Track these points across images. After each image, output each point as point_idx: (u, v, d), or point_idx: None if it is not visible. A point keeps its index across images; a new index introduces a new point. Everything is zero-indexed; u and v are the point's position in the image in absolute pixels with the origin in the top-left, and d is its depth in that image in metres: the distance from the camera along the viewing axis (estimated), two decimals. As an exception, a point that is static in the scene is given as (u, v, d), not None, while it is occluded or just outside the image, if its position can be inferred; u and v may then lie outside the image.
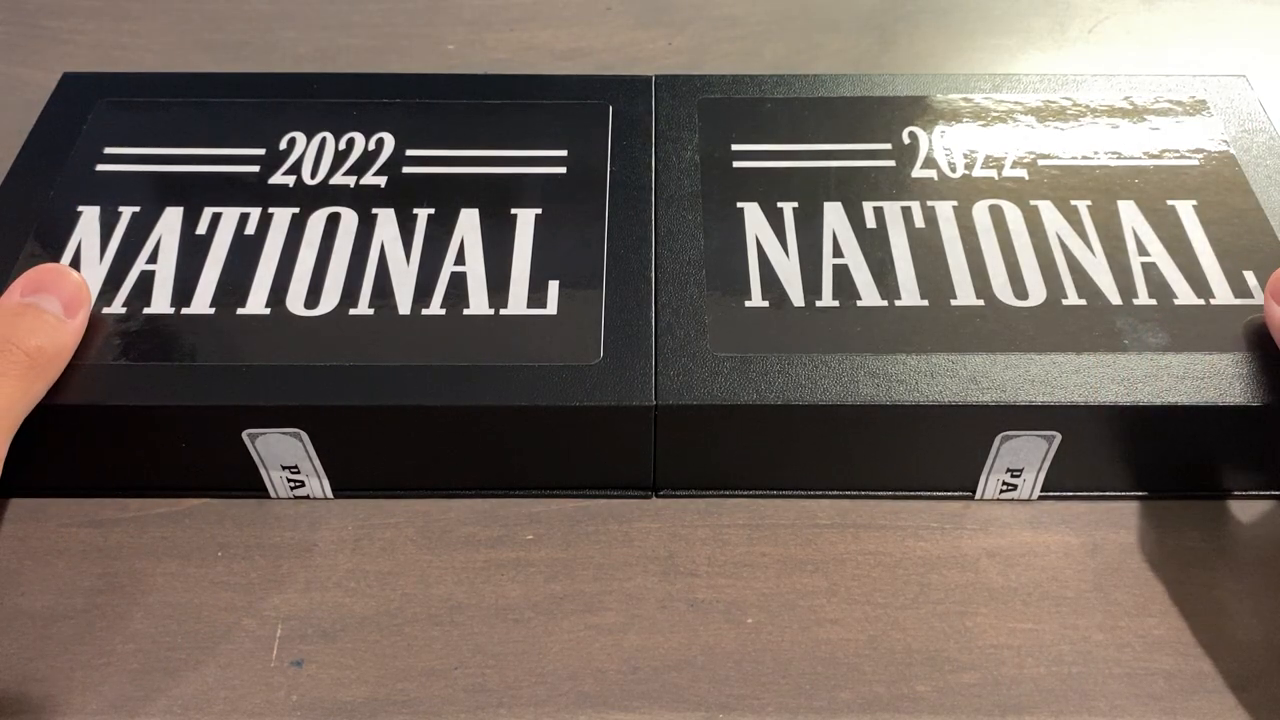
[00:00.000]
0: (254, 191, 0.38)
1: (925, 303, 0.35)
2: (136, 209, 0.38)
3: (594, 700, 0.32)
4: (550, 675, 0.32)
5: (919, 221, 0.37)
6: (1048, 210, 0.37)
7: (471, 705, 0.31)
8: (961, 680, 0.32)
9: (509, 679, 0.32)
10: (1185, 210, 0.37)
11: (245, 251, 0.36)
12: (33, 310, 0.33)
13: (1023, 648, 0.33)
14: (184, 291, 0.35)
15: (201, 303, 0.35)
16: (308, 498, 0.36)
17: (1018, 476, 0.35)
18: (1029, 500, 0.36)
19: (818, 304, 0.35)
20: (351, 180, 0.38)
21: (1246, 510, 0.35)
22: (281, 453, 0.34)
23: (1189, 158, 0.39)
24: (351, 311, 0.35)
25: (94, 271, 0.36)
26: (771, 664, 0.32)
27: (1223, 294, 0.35)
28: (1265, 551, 0.34)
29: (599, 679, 0.32)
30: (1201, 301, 0.35)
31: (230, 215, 0.37)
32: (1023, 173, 0.39)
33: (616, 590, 0.34)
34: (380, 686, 0.32)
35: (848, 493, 0.36)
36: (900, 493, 0.36)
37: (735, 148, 0.40)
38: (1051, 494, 0.35)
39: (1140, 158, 0.39)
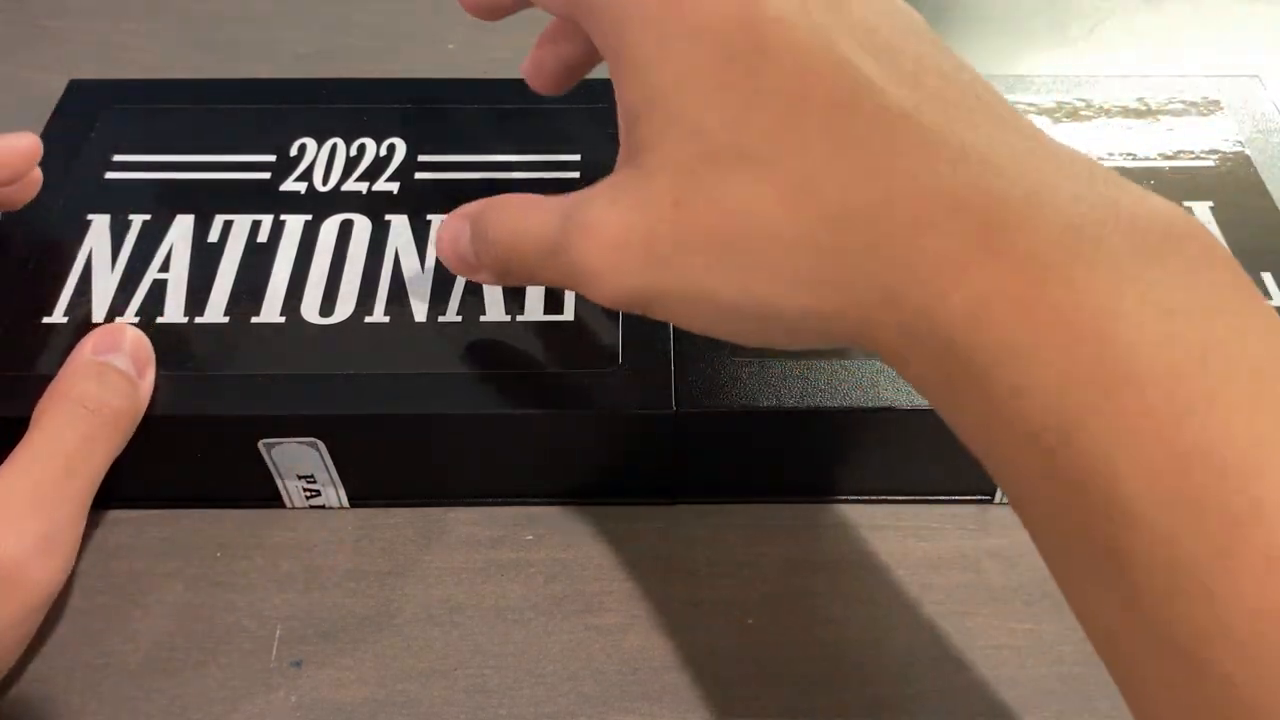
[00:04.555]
0: (265, 198, 0.38)
1: (944, 306, 0.35)
2: (147, 217, 0.37)
3: (594, 701, 0.32)
4: (550, 676, 0.32)
5: (935, 224, 0.37)
6: (1064, 212, 0.37)
7: (471, 706, 0.31)
8: (962, 680, 0.32)
9: (509, 680, 0.32)
10: (1202, 211, 0.37)
11: (258, 259, 0.36)
12: (112, 370, 0.32)
13: (1023, 648, 0.33)
14: (197, 300, 0.35)
15: (215, 311, 0.35)
16: (323, 507, 0.35)
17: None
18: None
19: (836, 308, 0.35)
20: (364, 186, 0.38)
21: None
22: (298, 462, 0.34)
23: (1204, 159, 0.39)
24: (367, 319, 0.34)
25: (105, 280, 0.35)
26: (772, 665, 0.32)
27: (1241, 296, 0.35)
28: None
29: (599, 680, 0.32)
30: (1220, 304, 0.35)
31: (242, 222, 0.37)
32: (1038, 174, 0.38)
33: (616, 591, 0.34)
34: (380, 687, 0.32)
35: (866, 498, 0.36)
36: (920, 497, 0.36)
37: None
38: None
39: (1155, 159, 0.39)
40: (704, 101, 0.24)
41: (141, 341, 0.33)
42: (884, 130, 0.23)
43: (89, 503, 0.31)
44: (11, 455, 0.30)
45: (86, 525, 0.34)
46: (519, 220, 0.29)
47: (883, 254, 0.23)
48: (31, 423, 0.30)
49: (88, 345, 0.32)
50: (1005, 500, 0.35)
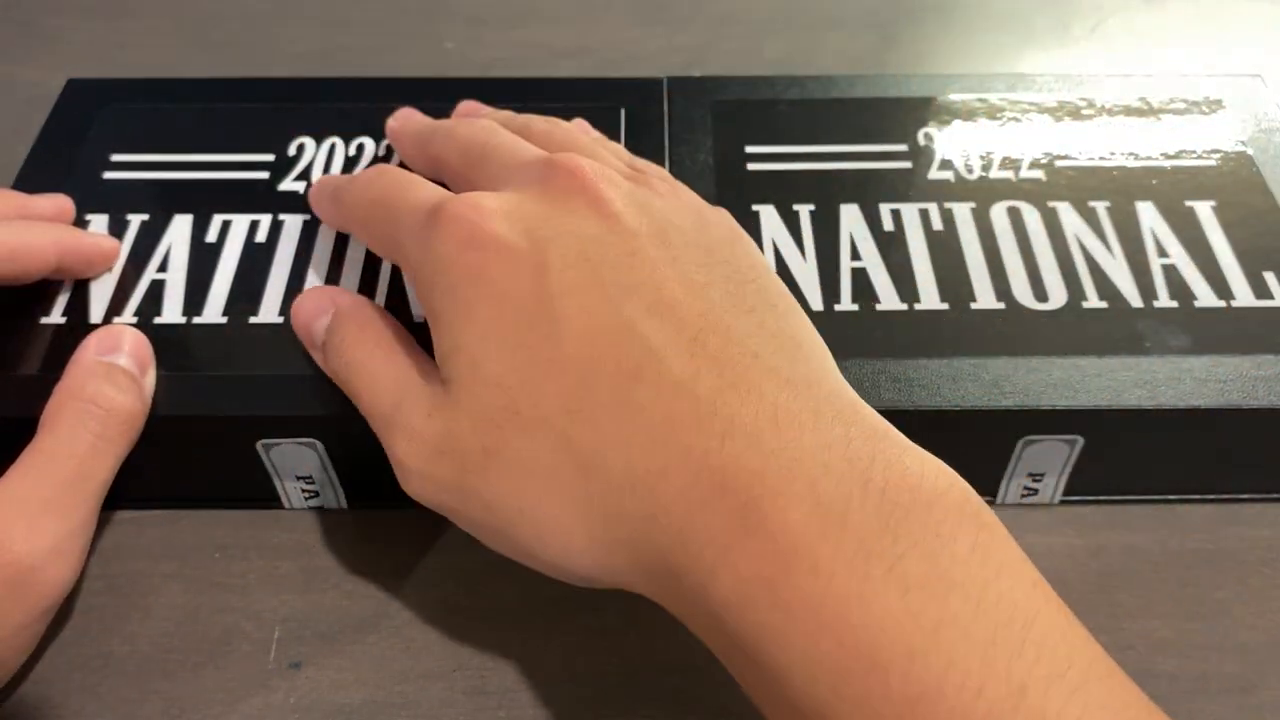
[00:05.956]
0: (264, 198, 0.38)
1: (945, 306, 0.35)
2: (145, 217, 0.37)
3: (593, 704, 0.31)
4: (549, 678, 0.32)
5: (937, 224, 0.37)
6: (1066, 212, 0.37)
7: (470, 708, 0.31)
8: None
9: (508, 682, 0.32)
10: (1204, 211, 0.37)
11: (256, 259, 0.36)
12: (120, 371, 0.32)
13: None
14: (195, 300, 0.35)
15: (213, 311, 0.34)
16: (322, 508, 0.35)
17: (1039, 481, 0.35)
18: (1050, 505, 0.35)
19: (837, 308, 0.35)
20: None
21: (1253, 512, 0.35)
22: (296, 463, 0.34)
23: (1206, 158, 0.39)
24: None
25: (104, 281, 0.35)
26: (774, 667, 0.32)
27: (1243, 296, 0.35)
28: (1270, 553, 0.34)
29: (598, 682, 0.32)
30: (1222, 303, 0.35)
31: (240, 222, 0.37)
32: (1040, 174, 0.38)
33: (616, 593, 0.34)
34: (379, 689, 0.32)
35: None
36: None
37: (749, 150, 0.39)
38: (1074, 498, 0.35)
39: (1157, 158, 0.39)
40: (505, 359, 0.27)
41: (142, 342, 0.33)
42: (664, 400, 0.25)
43: (100, 504, 0.31)
44: (23, 457, 0.30)
45: (85, 527, 0.35)
46: (368, 364, 0.30)
47: (661, 525, 0.24)
48: (42, 424, 0.30)
49: (90, 346, 0.32)
50: (1007, 500, 0.35)
